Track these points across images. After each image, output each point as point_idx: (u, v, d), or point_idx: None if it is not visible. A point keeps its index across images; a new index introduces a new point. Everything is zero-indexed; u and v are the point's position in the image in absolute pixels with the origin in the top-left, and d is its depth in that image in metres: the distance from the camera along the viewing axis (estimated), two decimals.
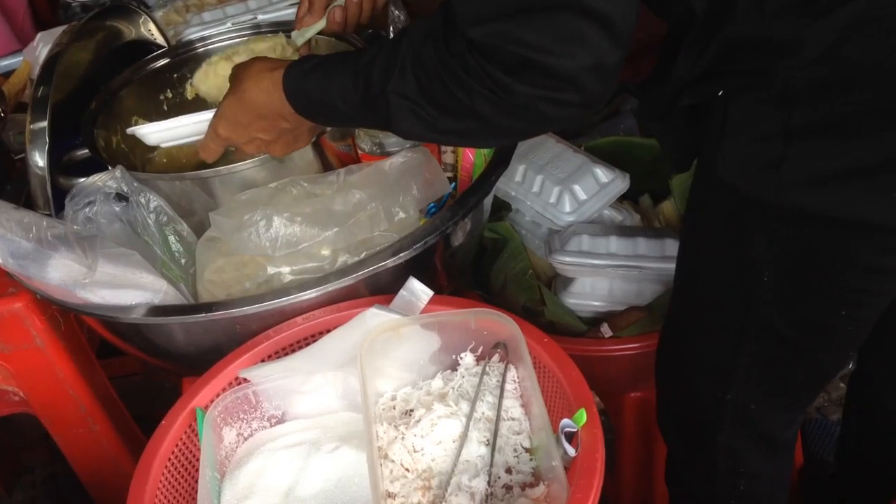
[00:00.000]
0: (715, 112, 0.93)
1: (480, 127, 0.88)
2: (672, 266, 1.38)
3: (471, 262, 1.44)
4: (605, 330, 1.35)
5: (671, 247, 1.40)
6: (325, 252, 1.11)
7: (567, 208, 1.48)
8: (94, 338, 1.54)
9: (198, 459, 1.04)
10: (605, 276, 1.41)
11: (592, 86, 0.80)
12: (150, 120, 1.51)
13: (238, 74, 1.09)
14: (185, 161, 1.51)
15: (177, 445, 1.03)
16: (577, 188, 1.48)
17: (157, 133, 1.23)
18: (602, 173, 1.50)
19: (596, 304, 1.42)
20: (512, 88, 0.81)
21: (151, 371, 1.98)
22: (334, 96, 0.98)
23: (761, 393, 1.08)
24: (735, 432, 1.12)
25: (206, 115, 1.17)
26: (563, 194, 1.48)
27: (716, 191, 0.97)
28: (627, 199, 1.60)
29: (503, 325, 1.03)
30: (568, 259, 1.39)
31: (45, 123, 1.22)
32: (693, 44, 0.89)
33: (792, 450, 1.20)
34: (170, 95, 1.53)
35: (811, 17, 0.80)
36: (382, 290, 1.16)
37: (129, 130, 1.26)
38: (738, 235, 0.97)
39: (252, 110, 1.08)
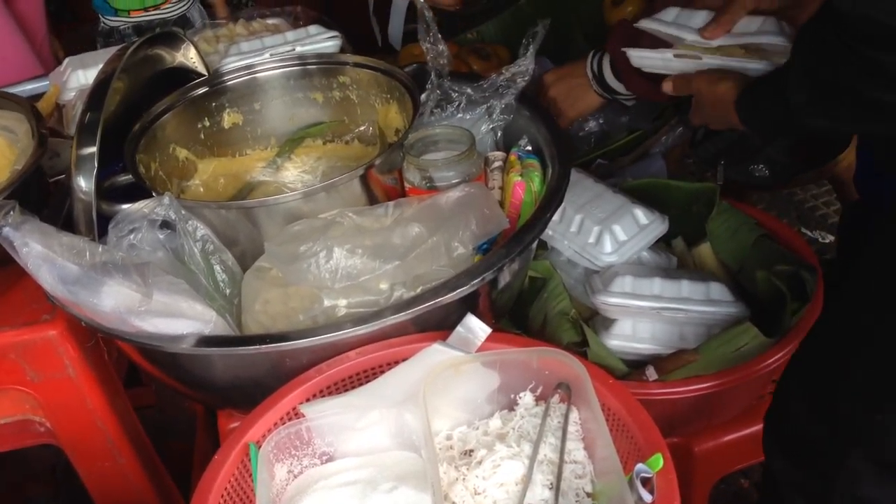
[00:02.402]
0: None
1: (873, 112, 0.95)
2: (717, 310, 1.38)
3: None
4: (651, 373, 1.33)
5: (716, 290, 1.39)
6: (384, 286, 1.09)
7: (608, 248, 1.47)
8: (121, 367, 1.51)
9: (248, 497, 1.01)
10: (648, 318, 1.39)
11: None
12: (189, 149, 1.49)
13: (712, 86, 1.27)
14: (221, 191, 1.49)
15: (230, 482, 0.99)
16: (617, 228, 1.47)
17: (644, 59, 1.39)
18: (642, 214, 1.49)
19: (638, 346, 1.40)
20: (881, 60, 0.84)
21: (165, 404, 1.95)
22: (770, 119, 1.17)
23: None
24: (867, 455, 1.12)
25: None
26: (604, 234, 1.47)
27: None
28: (659, 241, 1.59)
29: (567, 365, 1.01)
30: (613, 300, 1.38)
31: (94, 149, 1.19)
32: None
33: None
34: (207, 124, 1.52)
35: None
36: (433, 326, 1.13)
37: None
38: None
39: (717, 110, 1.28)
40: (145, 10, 2.18)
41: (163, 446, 1.72)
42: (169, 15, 2.21)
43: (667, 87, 1.34)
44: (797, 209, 2.51)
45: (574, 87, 1.60)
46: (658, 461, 0.90)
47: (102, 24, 2.23)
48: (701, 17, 1.32)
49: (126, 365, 1.53)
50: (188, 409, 1.84)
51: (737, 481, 1.81)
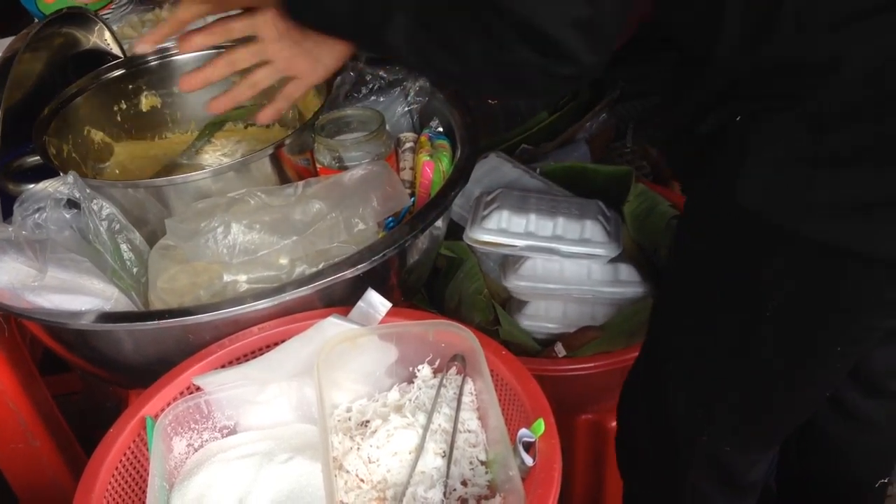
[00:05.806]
0: (731, 135, 0.87)
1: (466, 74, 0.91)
2: (625, 290, 1.41)
3: (426, 281, 1.44)
4: (559, 349, 1.36)
5: (624, 271, 1.42)
6: (283, 261, 1.10)
7: None
8: (36, 351, 1.50)
9: (146, 469, 1.02)
10: (559, 299, 1.42)
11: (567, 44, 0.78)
12: (105, 131, 1.49)
13: None
14: (138, 173, 1.49)
15: (125, 454, 1.00)
16: None
17: None
18: None
19: (550, 325, 1.44)
20: (512, 48, 0.79)
21: (92, 390, 1.93)
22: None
23: (737, 433, 1.04)
24: (704, 474, 1.09)
25: None
26: None
27: (730, 216, 0.91)
28: None
29: (461, 337, 1.03)
30: (523, 283, 1.40)
31: None
32: (720, 68, 0.87)
33: (758, 491, 1.16)
34: (124, 106, 1.51)
35: (854, 37, 0.77)
36: (338, 302, 1.15)
37: None
38: (749, 264, 0.92)
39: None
40: None
41: (91, 433, 1.72)
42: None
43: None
44: None
45: None
46: (540, 426, 0.92)
47: None
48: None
49: (41, 349, 1.52)
50: (114, 395, 1.83)
51: None
